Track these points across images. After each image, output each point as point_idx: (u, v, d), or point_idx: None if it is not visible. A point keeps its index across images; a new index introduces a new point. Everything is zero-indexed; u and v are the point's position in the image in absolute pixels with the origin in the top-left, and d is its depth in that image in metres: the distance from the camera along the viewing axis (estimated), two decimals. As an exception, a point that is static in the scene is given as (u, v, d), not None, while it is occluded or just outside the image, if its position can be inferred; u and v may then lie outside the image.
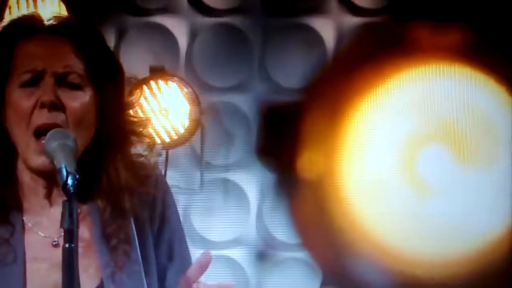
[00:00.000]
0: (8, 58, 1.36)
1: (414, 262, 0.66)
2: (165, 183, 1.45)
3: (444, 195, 0.67)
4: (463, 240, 0.66)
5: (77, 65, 1.36)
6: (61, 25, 1.38)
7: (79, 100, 1.35)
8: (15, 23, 1.39)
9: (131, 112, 1.42)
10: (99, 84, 1.38)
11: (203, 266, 1.28)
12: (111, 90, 1.39)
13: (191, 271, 1.28)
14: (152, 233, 1.40)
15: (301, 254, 2.61)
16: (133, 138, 1.41)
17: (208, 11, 2.80)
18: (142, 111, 2.61)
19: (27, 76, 1.35)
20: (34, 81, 1.35)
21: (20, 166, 1.38)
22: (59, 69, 1.35)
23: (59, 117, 1.34)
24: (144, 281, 1.36)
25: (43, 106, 1.33)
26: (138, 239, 1.38)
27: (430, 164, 0.67)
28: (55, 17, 1.41)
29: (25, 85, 1.35)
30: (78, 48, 1.36)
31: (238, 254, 2.77)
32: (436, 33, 0.64)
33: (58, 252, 1.30)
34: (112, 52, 1.44)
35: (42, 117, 1.33)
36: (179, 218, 1.46)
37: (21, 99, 1.34)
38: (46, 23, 1.38)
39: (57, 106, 1.33)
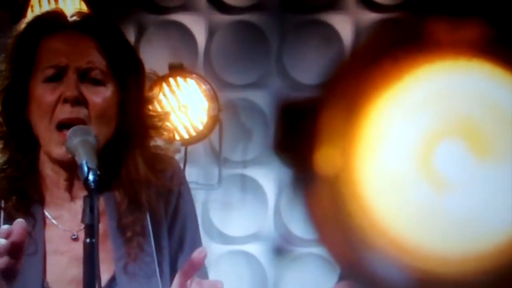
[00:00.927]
0: (32, 53, 1.38)
1: (431, 258, 0.65)
2: (182, 176, 1.46)
3: (461, 191, 0.66)
4: (481, 235, 0.65)
5: (99, 61, 1.37)
6: (84, 21, 1.39)
7: (101, 95, 1.37)
8: (39, 19, 1.41)
9: (150, 107, 1.44)
10: (120, 79, 1.40)
11: (197, 263, 1.28)
12: (132, 86, 1.41)
13: (184, 268, 1.29)
14: (166, 224, 1.42)
15: (318, 250, 2.62)
16: (152, 132, 1.42)
17: (226, 8, 2.81)
18: (161, 108, 2.63)
19: (50, 71, 1.37)
20: (58, 76, 1.37)
21: (43, 158, 1.40)
22: (82, 64, 1.36)
23: (81, 112, 1.35)
24: (157, 272, 1.37)
25: (66, 101, 1.35)
26: (153, 231, 1.39)
27: (447, 159, 0.67)
28: (78, 12, 1.42)
29: (48, 80, 1.37)
30: (100, 44, 1.38)
31: (256, 249, 2.78)
32: (454, 28, 0.64)
33: (77, 246, 1.33)
34: (133, 48, 1.46)
35: (64, 112, 1.35)
36: (194, 210, 1.47)
37: (45, 94, 1.36)
38: (69, 19, 1.40)
39: (79, 101, 1.35)
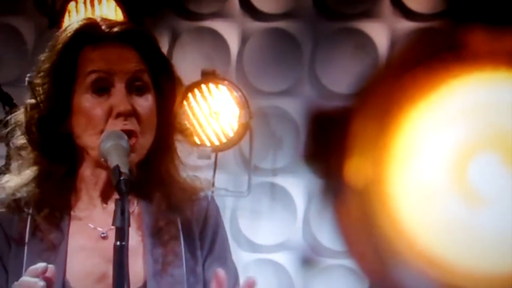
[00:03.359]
0: (73, 67, 1.38)
1: (461, 273, 0.64)
2: (218, 208, 1.47)
3: (495, 206, 0.65)
4: (514, 253, 0.63)
5: (142, 71, 1.39)
6: (124, 32, 1.40)
7: (146, 104, 1.38)
8: (78, 32, 1.40)
9: (179, 118, 1.45)
10: (159, 89, 1.41)
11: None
12: (168, 94, 1.42)
13: None
14: (198, 230, 1.42)
15: (347, 261, 2.59)
16: (182, 137, 1.43)
17: (259, 15, 2.81)
18: (193, 114, 2.65)
19: (93, 76, 1.37)
20: (104, 88, 1.37)
21: (84, 164, 1.40)
22: (130, 72, 1.37)
23: (133, 123, 1.36)
24: (185, 278, 1.38)
25: (119, 115, 1.35)
26: (184, 236, 1.40)
27: (482, 173, 0.65)
28: (117, 23, 1.41)
29: (95, 91, 1.37)
30: (141, 54, 1.39)
31: (283, 258, 2.77)
32: (493, 38, 0.62)
33: (106, 244, 1.35)
34: (167, 58, 1.46)
35: (118, 125, 1.35)
36: (224, 226, 1.47)
37: (94, 107, 1.36)
38: (109, 29, 1.38)
39: (132, 114, 1.36)
